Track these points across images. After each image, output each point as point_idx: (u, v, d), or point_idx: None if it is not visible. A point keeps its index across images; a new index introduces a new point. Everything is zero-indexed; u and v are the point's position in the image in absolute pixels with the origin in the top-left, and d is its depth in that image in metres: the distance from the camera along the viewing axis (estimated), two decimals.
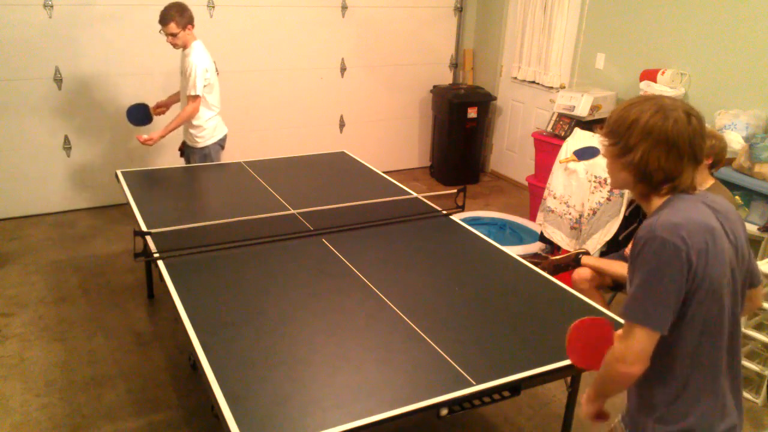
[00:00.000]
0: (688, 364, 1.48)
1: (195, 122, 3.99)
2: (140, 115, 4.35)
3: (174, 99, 4.30)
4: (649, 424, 1.53)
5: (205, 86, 3.88)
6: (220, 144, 4.15)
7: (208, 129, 4.03)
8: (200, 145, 4.06)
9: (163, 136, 3.97)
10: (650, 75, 4.26)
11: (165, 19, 3.76)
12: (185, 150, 4.20)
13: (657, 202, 1.50)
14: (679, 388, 1.50)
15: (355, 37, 5.66)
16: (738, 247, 1.53)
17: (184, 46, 3.87)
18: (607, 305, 3.43)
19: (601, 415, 1.67)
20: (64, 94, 4.73)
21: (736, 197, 3.42)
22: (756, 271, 1.66)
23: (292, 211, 3.16)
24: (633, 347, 1.42)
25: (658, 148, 1.44)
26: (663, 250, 1.39)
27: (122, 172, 3.69)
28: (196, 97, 3.85)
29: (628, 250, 3.17)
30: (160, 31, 3.81)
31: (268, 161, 4.05)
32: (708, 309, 1.44)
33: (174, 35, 3.79)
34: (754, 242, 3.43)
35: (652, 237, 1.40)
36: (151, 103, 4.36)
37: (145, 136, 3.94)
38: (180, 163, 4.34)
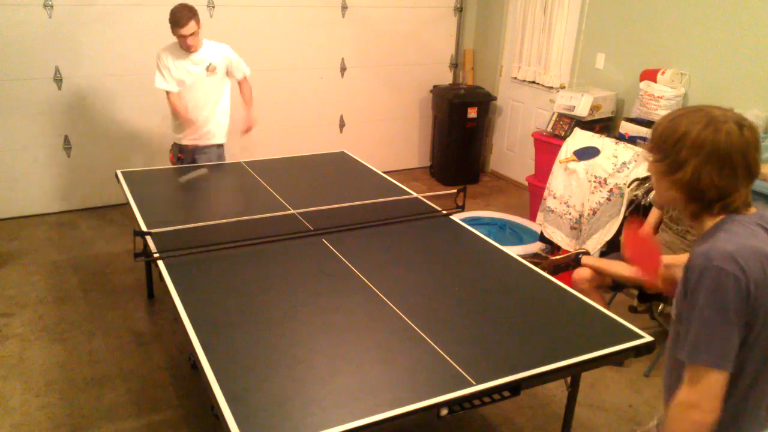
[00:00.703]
0: (742, 393, 1.41)
1: (226, 114, 4.08)
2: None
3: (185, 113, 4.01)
4: None
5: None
6: None
7: (228, 122, 4.14)
8: (222, 141, 4.11)
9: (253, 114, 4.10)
10: (650, 75, 4.26)
11: (184, 19, 3.62)
12: (193, 155, 4.03)
13: (710, 222, 1.40)
14: (731, 415, 1.41)
15: (355, 37, 5.66)
16: None
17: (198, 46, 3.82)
18: (607, 305, 3.43)
19: None
20: (64, 94, 4.73)
21: None
22: None
23: (292, 211, 3.16)
24: (708, 393, 1.31)
25: (710, 164, 1.33)
26: (724, 282, 1.29)
27: (122, 172, 3.68)
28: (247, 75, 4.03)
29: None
30: (180, 36, 3.69)
31: (268, 161, 4.05)
32: (766, 337, 1.36)
33: (194, 34, 3.70)
34: None
35: (709, 267, 1.30)
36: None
37: (246, 128, 4.07)
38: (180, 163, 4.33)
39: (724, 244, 1.33)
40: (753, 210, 1.42)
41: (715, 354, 1.31)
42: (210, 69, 3.88)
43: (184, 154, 4.04)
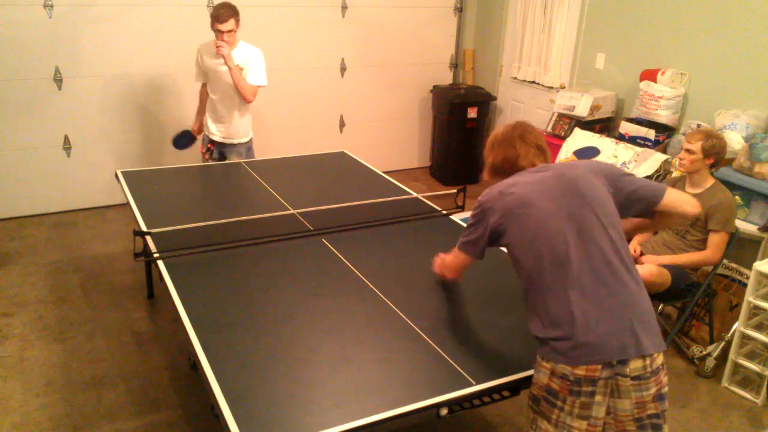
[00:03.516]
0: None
1: (246, 113, 4.10)
2: (185, 140, 4.35)
3: (202, 112, 4.24)
4: None
5: None
6: None
7: (250, 120, 4.17)
8: (247, 138, 4.16)
9: (230, 63, 3.84)
10: (650, 75, 4.26)
11: (224, 15, 3.73)
12: (222, 150, 4.16)
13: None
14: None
15: (355, 37, 5.66)
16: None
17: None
18: None
19: None
20: (64, 94, 4.73)
21: (736, 197, 3.42)
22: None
23: (292, 211, 3.16)
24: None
25: None
26: None
27: (122, 172, 3.68)
28: (258, 87, 3.97)
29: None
30: (217, 31, 3.75)
31: (268, 161, 4.05)
32: None
33: (232, 32, 3.78)
34: (754, 242, 3.43)
35: None
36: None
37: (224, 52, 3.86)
38: (181, 163, 4.32)
39: None
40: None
41: None
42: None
43: (213, 145, 4.18)
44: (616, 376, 1.74)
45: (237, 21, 3.80)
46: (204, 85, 4.16)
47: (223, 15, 3.74)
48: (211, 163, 4.16)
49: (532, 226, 1.84)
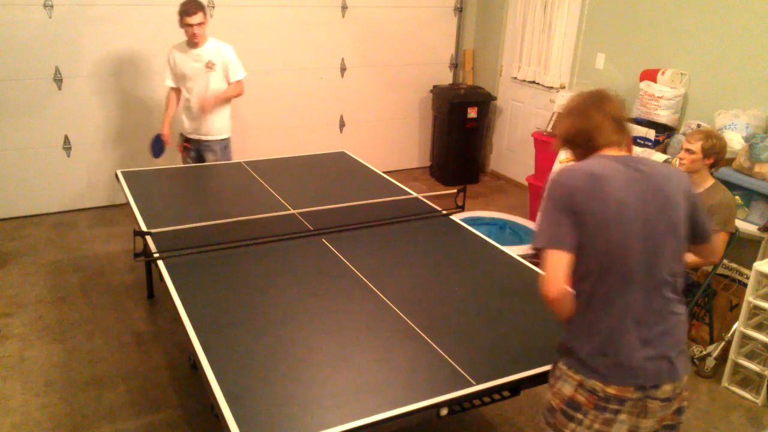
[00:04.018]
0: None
1: (221, 110, 4.14)
2: (158, 146, 4.36)
3: (171, 113, 4.29)
4: None
5: None
6: None
7: (228, 117, 4.21)
8: (224, 136, 4.20)
9: (217, 103, 4.09)
10: (650, 75, 4.26)
11: (194, 8, 3.87)
12: (198, 147, 4.21)
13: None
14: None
15: (355, 37, 5.66)
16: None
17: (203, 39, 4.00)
18: None
19: None
20: (64, 94, 4.73)
21: (736, 197, 3.42)
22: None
23: (292, 211, 3.16)
24: None
25: None
26: None
27: (122, 172, 3.68)
28: (241, 80, 4.10)
29: None
30: (187, 25, 3.89)
31: (268, 161, 4.05)
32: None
33: (201, 25, 3.91)
34: (754, 242, 3.43)
35: None
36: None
37: (205, 103, 4.05)
38: (180, 162, 4.33)
39: None
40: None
41: None
42: (209, 65, 4.02)
43: (190, 144, 4.24)
44: (647, 399, 1.69)
45: (205, 14, 3.93)
46: (173, 89, 4.21)
47: (191, 8, 3.87)
48: (211, 163, 4.16)
49: (614, 238, 1.64)
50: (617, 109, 1.77)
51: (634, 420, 1.71)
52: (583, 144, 1.77)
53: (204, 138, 4.16)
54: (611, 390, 1.66)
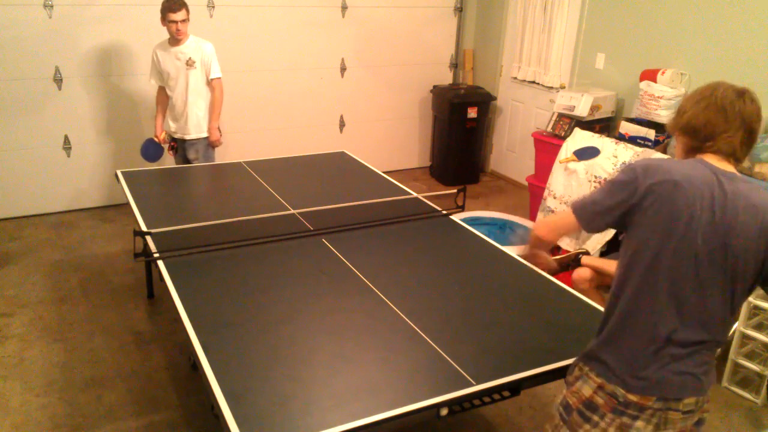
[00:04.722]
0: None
1: (204, 109, 4.19)
2: (153, 149, 4.41)
3: (162, 115, 4.34)
4: None
5: None
6: None
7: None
8: (206, 134, 4.23)
9: (218, 127, 4.22)
10: (650, 75, 4.26)
11: (178, 5, 3.92)
12: (183, 145, 4.25)
13: None
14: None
15: (355, 37, 5.66)
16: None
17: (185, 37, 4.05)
18: None
19: None
20: (64, 94, 4.73)
21: None
22: None
23: (292, 211, 3.16)
24: None
25: None
26: None
27: (122, 172, 3.68)
28: (219, 78, 4.14)
29: None
30: (171, 21, 3.94)
31: (268, 161, 4.05)
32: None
33: (184, 22, 3.96)
34: None
35: None
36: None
37: (214, 139, 4.21)
38: (179, 162, 4.34)
39: None
40: None
41: None
42: (189, 63, 4.08)
43: (176, 143, 4.30)
44: (668, 410, 1.66)
45: (188, 11, 3.98)
46: (161, 89, 4.26)
47: (174, 5, 3.92)
48: (211, 162, 4.17)
49: (683, 247, 1.55)
50: (754, 117, 1.59)
51: (652, 429, 1.67)
52: (701, 139, 1.61)
53: (188, 137, 4.21)
54: (633, 397, 1.64)
